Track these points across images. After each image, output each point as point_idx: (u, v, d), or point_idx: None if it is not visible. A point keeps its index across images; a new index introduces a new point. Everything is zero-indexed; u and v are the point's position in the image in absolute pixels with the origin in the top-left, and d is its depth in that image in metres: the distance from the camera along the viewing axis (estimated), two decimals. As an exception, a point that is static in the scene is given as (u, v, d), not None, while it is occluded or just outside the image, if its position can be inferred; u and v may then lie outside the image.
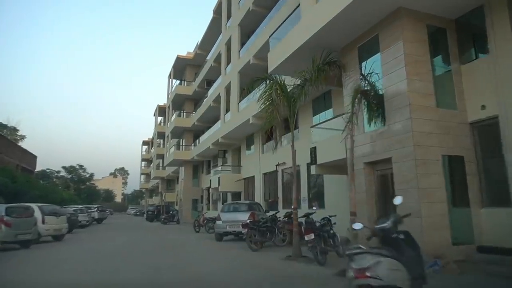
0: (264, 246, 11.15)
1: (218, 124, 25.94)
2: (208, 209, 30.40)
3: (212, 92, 27.74)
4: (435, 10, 8.62)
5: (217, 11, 27.26)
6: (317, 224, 8.76)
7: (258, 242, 10.69)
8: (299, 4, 11.57)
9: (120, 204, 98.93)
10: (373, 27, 9.24)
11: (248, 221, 12.15)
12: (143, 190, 77.13)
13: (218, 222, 13.84)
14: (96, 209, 31.44)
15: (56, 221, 14.20)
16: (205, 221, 19.33)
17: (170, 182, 50.88)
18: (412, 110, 7.97)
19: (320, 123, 12.97)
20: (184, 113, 36.11)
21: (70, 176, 67.53)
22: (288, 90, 9.98)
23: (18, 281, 6.98)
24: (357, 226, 4.78)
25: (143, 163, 70.91)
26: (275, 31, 13.06)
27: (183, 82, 36.69)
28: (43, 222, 13.36)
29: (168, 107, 40.31)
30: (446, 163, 8.19)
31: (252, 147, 22.53)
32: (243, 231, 10.96)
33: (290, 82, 10.82)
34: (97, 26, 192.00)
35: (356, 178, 9.63)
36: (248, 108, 19.34)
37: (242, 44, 21.93)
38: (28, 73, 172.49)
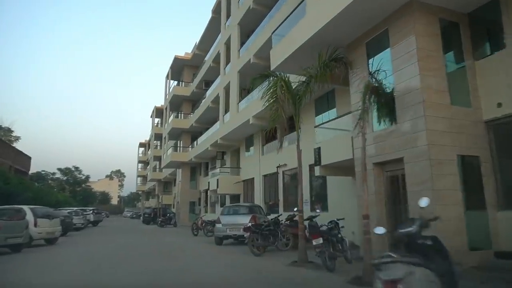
0: (267, 250, 10.66)
1: (216, 125, 25.49)
2: (206, 211, 29.87)
3: (210, 92, 27.30)
4: (447, 3, 8.23)
5: (216, 10, 26.87)
6: (324, 228, 8.29)
7: (261, 246, 10.20)
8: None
9: (116, 207, 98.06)
10: (382, 22, 8.83)
11: (249, 224, 11.67)
12: (140, 192, 76.41)
13: (218, 225, 13.35)
14: (91, 211, 30.83)
15: (49, 224, 13.66)
16: (203, 224, 18.80)
17: (167, 185, 50.31)
18: (426, 107, 7.56)
19: (325, 123, 12.55)
20: (182, 114, 35.64)
21: (65, 178, 66.68)
22: (293, 87, 9.54)
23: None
24: (379, 230, 4.31)
25: (140, 165, 70.29)
26: (278, 27, 12.64)
27: (180, 83, 36.24)
28: (35, 225, 12.81)
29: (166, 108, 39.83)
30: (460, 164, 7.77)
31: (252, 148, 22.08)
32: (245, 235, 10.47)
33: (294, 80, 10.40)
34: (95, 27, 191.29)
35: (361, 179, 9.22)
36: (248, 108, 18.92)
37: (242, 43, 21.53)
38: (23, 73, 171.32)
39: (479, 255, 7.26)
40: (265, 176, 19.80)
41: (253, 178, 21.18)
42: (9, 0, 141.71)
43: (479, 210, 7.67)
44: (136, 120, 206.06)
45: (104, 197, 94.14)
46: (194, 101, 34.46)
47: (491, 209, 7.69)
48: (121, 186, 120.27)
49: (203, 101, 29.61)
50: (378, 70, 8.52)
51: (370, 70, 9.20)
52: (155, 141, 52.44)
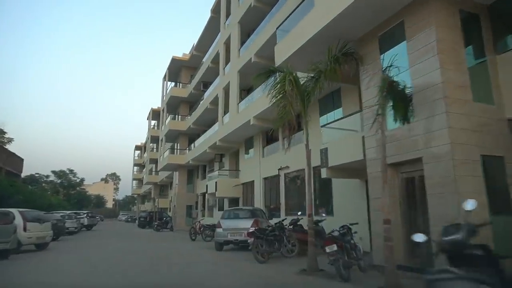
0: (271, 257, 9.99)
1: (215, 127, 24.86)
2: (203, 215, 29.15)
3: (209, 93, 26.68)
4: (467, -7, 7.73)
5: (216, 10, 26.32)
6: (335, 233, 7.68)
7: (265, 253, 9.54)
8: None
9: (111, 210, 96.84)
10: (397, 13, 8.28)
11: (253, 229, 11.04)
12: (135, 195, 75.35)
13: (218, 230, 12.68)
14: (85, 215, 29.95)
15: (39, 228, 12.91)
16: (202, 229, 18.12)
17: (163, 188, 49.47)
18: (448, 103, 6.99)
19: (332, 122, 11.96)
20: (179, 116, 34.96)
21: (59, 181, 65.56)
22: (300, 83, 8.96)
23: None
24: (419, 238, 3.70)
25: (135, 168, 69.29)
26: (283, 21, 12.08)
27: (178, 84, 35.59)
28: (25, 229, 12.07)
29: (163, 110, 39.12)
30: (483, 164, 7.20)
31: (252, 150, 21.46)
32: (248, 241, 9.82)
33: (299, 77, 9.83)
34: (90, 29, 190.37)
35: (376, 181, 8.63)
36: (249, 109, 18.33)
37: (242, 43, 20.96)
38: (17, 74, 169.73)
39: (509, 263, 6.66)
40: (265, 179, 19.17)
41: (253, 181, 20.54)
42: (10, 1, 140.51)
43: (505, 215, 7.10)
44: (132, 123, 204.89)
45: (99, 201, 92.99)
46: (191, 102, 33.81)
47: (518, 213, 7.12)
48: (116, 189, 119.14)
49: (201, 102, 28.98)
50: (391, 66, 7.98)
51: (383, 65, 8.67)
52: (151, 144, 51.64)
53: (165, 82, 39.83)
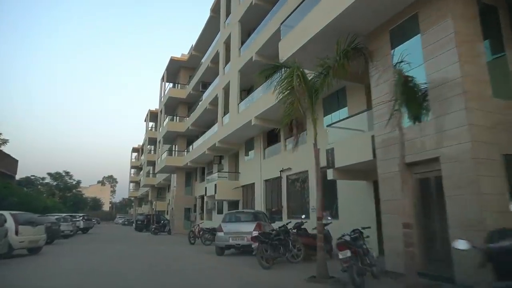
0: (275, 262, 9.49)
1: (214, 128, 24.37)
2: (202, 218, 28.62)
3: (208, 94, 26.19)
4: (486, -16, 7.32)
5: (215, 9, 25.91)
6: (346, 238, 7.20)
7: (271, 258, 9.05)
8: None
9: (107, 213, 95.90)
10: (411, 5, 7.87)
11: (256, 233, 10.57)
12: (132, 198, 74.63)
13: (220, 234, 12.17)
14: (81, 218, 29.34)
15: (32, 232, 12.34)
16: (201, 232, 17.59)
17: (160, 190, 48.87)
18: (468, 98, 6.56)
19: (339, 121, 11.52)
20: (177, 118, 34.45)
21: (55, 183, 64.74)
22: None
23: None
24: (463, 245, 3.24)
25: (133, 170, 68.66)
26: (287, 17, 11.66)
27: (176, 85, 35.08)
28: (17, 232, 11.51)
29: (161, 111, 38.60)
30: (505, 164, 6.76)
31: (252, 152, 20.97)
32: (253, 246, 9.32)
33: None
34: (89, 30, 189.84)
35: (389, 182, 8.20)
36: (250, 109, 17.87)
37: (242, 42, 20.53)
38: (14, 75, 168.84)
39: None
40: (266, 181, 18.69)
41: (253, 183, 20.04)
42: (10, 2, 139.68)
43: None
44: (130, 125, 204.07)
45: (96, 203, 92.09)
46: (190, 103, 33.32)
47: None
48: (113, 192, 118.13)
49: (200, 103, 28.50)
50: (401, 61, 7.57)
51: (394, 60, 8.24)
52: (148, 146, 51.04)
53: (163, 83, 39.36)
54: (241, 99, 20.15)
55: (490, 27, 7.55)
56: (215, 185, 21.42)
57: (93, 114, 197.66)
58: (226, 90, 22.05)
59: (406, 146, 7.71)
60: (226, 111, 22.03)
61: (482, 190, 6.17)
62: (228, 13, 23.23)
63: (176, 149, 34.53)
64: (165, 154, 34.19)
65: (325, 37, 9.35)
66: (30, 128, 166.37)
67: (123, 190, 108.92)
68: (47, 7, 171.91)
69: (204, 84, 28.14)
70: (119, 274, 8.75)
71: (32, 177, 61.10)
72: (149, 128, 50.45)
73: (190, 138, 32.77)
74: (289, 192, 16.46)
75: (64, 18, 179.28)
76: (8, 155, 28.94)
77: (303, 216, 12.94)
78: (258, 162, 19.45)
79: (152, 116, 47.57)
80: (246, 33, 20.46)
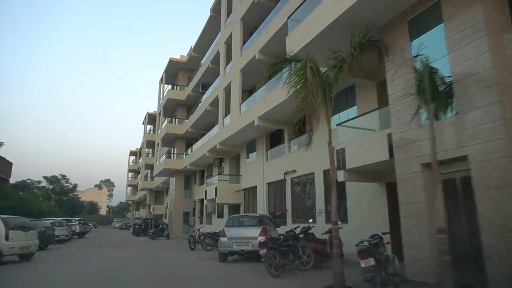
0: (285, 269, 8.81)
1: (215, 129, 23.76)
2: (201, 222, 27.92)
3: (209, 95, 25.60)
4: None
5: (215, 9, 25.40)
6: (365, 244, 6.58)
7: (280, 265, 8.39)
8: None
9: (104, 217, 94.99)
10: (432, -7, 7.32)
11: (261, 238, 9.93)
12: (130, 202, 73.74)
13: (223, 239, 11.50)
14: (77, 222, 28.56)
15: (24, 237, 11.64)
16: (201, 237, 16.90)
17: (159, 194, 48.12)
18: (501, 91, 5.98)
19: (350, 120, 10.95)
20: (176, 120, 33.83)
21: (51, 186, 63.73)
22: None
23: None
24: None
25: (130, 174, 67.91)
26: (295, 10, 11.12)
27: (175, 86, 34.48)
28: (7, 238, 10.83)
29: (159, 113, 37.96)
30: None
31: (254, 154, 20.36)
32: (260, 252, 8.66)
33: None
34: (87, 31, 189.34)
35: (409, 184, 7.60)
36: (253, 109, 17.28)
37: (244, 41, 19.98)
38: (11, 75, 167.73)
39: None
40: (269, 184, 18.06)
41: (255, 186, 19.41)
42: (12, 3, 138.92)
43: None
44: (127, 128, 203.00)
45: (93, 207, 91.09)
46: (189, 105, 32.70)
47: None
48: (110, 196, 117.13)
49: (200, 104, 27.90)
50: (418, 55, 7.01)
51: (413, 52, 7.68)
52: (147, 149, 50.36)
53: (162, 84, 38.77)
54: (243, 99, 19.56)
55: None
56: (216, 188, 20.76)
57: (91, 116, 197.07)
58: (227, 90, 21.47)
59: (427, 144, 7.15)
60: (227, 112, 21.43)
61: (520, 191, 5.57)
62: (229, 12, 22.73)
63: (175, 152, 33.89)
64: (163, 157, 33.53)
65: (336, 30, 8.81)
66: (25, 130, 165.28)
67: (121, 194, 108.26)
68: (47, 7, 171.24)
69: (204, 86, 27.57)
70: (116, 283, 8.07)
71: (28, 181, 60.05)
72: (147, 131, 49.80)
73: (189, 141, 32.18)
74: (293, 195, 15.84)
75: (63, 18, 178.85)
76: (2, 158, 28.16)
77: (310, 220, 12.33)
78: (261, 164, 18.83)
79: (150, 118, 46.94)
80: (248, 32, 19.93)
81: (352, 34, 7.85)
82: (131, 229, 39.96)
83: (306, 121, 7.53)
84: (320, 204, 13.61)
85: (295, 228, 10.23)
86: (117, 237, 32.42)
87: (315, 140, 8.40)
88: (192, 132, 29.52)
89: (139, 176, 57.73)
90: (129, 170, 67.94)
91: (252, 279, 8.45)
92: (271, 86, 16.25)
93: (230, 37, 21.55)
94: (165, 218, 39.29)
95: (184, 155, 31.94)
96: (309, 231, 10.96)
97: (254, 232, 11.05)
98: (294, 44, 10.24)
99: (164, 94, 35.71)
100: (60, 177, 64.72)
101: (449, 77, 6.86)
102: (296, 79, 7.42)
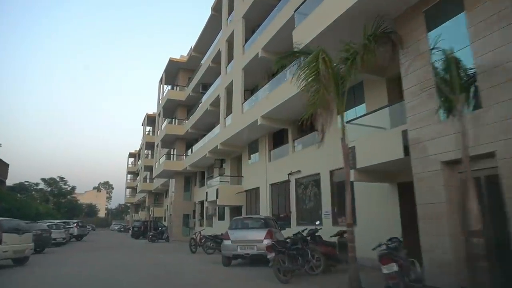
0: (294, 274, 8.32)
1: (216, 130, 23.27)
2: (201, 225, 27.40)
3: (210, 94, 25.14)
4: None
5: (216, 7, 24.96)
6: (383, 248, 6.13)
7: (289, 270, 7.90)
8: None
9: (103, 220, 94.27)
10: (452, -20, 6.89)
11: (267, 241, 9.46)
12: (128, 204, 73.16)
13: (226, 243, 11.00)
14: (75, 224, 28.02)
15: (18, 240, 11.13)
16: (203, 240, 16.40)
17: (158, 196, 47.58)
18: (532, 82, 5.54)
19: (359, 117, 10.52)
20: (176, 120, 33.33)
21: (49, 189, 63.16)
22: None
23: None
24: None
25: (129, 176, 67.35)
26: (302, 3, 10.68)
27: (175, 87, 34.01)
28: (0, 241, 10.32)
29: (159, 114, 37.47)
30: None
31: (256, 154, 19.88)
32: (268, 256, 8.18)
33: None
34: (85, 32, 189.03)
35: (428, 183, 7.14)
36: (256, 108, 16.81)
37: (246, 39, 19.54)
38: (8, 76, 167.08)
39: None
40: (272, 185, 17.57)
41: (258, 188, 18.91)
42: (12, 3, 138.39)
43: None
44: (126, 130, 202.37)
45: (91, 210, 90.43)
46: (189, 106, 32.21)
47: None
48: (109, 198, 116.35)
49: (200, 104, 27.43)
50: (432, 48, 6.59)
51: (431, 44, 7.26)
52: (146, 151, 49.85)
53: (161, 85, 38.29)
54: (245, 98, 19.10)
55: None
56: (217, 189, 20.25)
57: (89, 118, 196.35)
58: (229, 89, 21.00)
59: (448, 141, 6.72)
60: (228, 112, 20.97)
61: (556, 190, 5.12)
62: (230, 10, 22.30)
63: (175, 153, 33.37)
64: (163, 158, 32.98)
65: (348, 22, 8.38)
66: (23, 131, 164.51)
67: (119, 196, 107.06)
68: (47, 7, 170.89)
69: (205, 86, 27.10)
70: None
71: (26, 183, 59.56)
72: (147, 133, 49.33)
73: (189, 142, 31.67)
74: (298, 197, 15.35)
75: (63, 18, 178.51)
76: (-1, 159, 27.68)
77: (317, 222, 11.87)
78: (263, 165, 18.35)
79: (150, 120, 46.46)
80: (250, 30, 19.51)
81: (365, 25, 7.43)
82: (130, 231, 39.42)
83: (318, 117, 7.06)
84: (326, 206, 13.13)
85: (302, 231, 9.75)
86: (115, 239, 31.87)
87: (320, 139, 8.03)
88: (192, 133, 29.02)
89: (138, 178, 57.20)
90: (128, 172, 67.41)
91: (260, 285, 7.96)
92: (274, 84, 15.81)
93: (231, 36, 21.12)
94: (165, 220, 38.79)
95: (184, 156, 31.44)
96: (316, 234, 10.49)
97: (259, 235, 10.58)
98: (302, 37, 9.77)
99: (164, 94, 35.24)
100: (58, 179, 64.27)
101: (471, 68, 6.44)
102: (308, 71, 6.97)
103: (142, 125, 52.29)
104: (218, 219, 24.18)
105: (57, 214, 41.69)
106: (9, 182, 40.88)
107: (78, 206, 71.49)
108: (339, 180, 12.92)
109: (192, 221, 31.16)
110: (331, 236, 9.98)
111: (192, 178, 32.27)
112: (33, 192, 59.92)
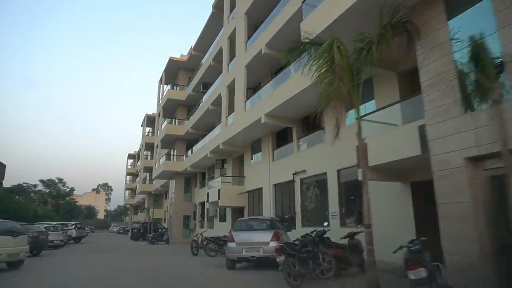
0: (304, 279, 7.83)
1: (217, 129, 22.82)
2: (202, 226, 26.92)
3: (211, 93, 24.69)
4: None
5: (217, 5, 24.55)
6: (403, 249, 5.67)
7: (299, 274, 7.42)
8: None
9: (102, 221, 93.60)
10: (474, -36, 6.45)
11: (274, 243, 9.00)
12: (128, 206, 72.62)
13: (231, 245, 10.51)
14: (73, 226, 27.48)
15: (12, 243, 10.63)
16: (205, 242, 15.91)
17: (157, 197, 47.09)
18: None
19: (371, 113, 10.07)
20: (176, 121, 32.87)
21: (48, 190, 62.58)
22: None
23: None
24: None
25: (128, 177, 66.87)
26: (310, -6, 10.24)
27: (175, 86, 33.55)
28: (-7, 244, 9.86)
29: (159, 114, 37.01)
30: None
31: (259, 154, 19.42)
32: (277, 259, 7.71)
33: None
34: (84, 33, 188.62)
35: (450, 181, 6.67)
36: (259, 106, 16.36)
37: (249, 36, 19.10)
38: (8, 75, 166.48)
39: None
40: (276, 185, 17.12)
41: (261, 188, 18.46)
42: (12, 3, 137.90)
43: None
44: (126, 131, 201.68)
45: (90, 211, 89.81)
46: (190, 106, 31.75)
47: None
48: (108, 200, 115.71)
49: (200, 104, 26.98)
50: (451, 39, 6.14)
51: (451, 34, 6.82)
52: (145, 152, 49.40)
53: (161, 85, 37.84)
54: (248, 97, 18.64)
55: None
56: (219, 190, 19.78)
57: (88, 119, 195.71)
58: (231, 88, 20.56)
59: (469, 136, 6.27)
60: (230, 111, 20.51)
61: None
62: (232, 7, 21.88)
63: (175, 154, 32.90)
64: (163, 159, 32.53)
65: (361, 10, 7.95)
66: (21, 131, 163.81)
67: (119, 198, 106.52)
68: (47, 8, 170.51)
69: (205, 85, 26.65)
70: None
71: (24, 185, 58.99)
72: (146, 133, 48.87)
73: (189, 142, 31.22)
74: (303, 197, 14.89)
75: (63, 18, 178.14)
76: (-5, 160, 27.18)
77: (325, 224, 11.34)
78: (267, 165, 17.89)
79: (149, 120, 46.02)
80: (253, 27, 19.08)
81: (381, 12, 6.98)
82: (129, 233, 38.90)
83: (331, 111, 6.60)
84: (333, 207, 12.67)
85: (311, 232, 9.27)
86: (115, 241, 31.33)
87: (327, 137, 7.61)
88: (193, 133, 28.57)
89: (137, 179, 56.69)
90: (127, 174, 66.93)
91: (269, 290, 7.49)
92: (278, 81, 15.36)
93: (233, 33, 20.69)
94: (164, 222, 38.26)
95: (184, 157, 30.98)
96: (325, 235, 10.01)
97: (265, 237, 10.11)
98: (313, 27, 9.27)
99: (164, 94, 34.79)
100: (56, 181, 63.75)
101: (498, 58, 5.98)
102: (321, 61, 6.51)
103: (142, 125, 51.86)
104: (220, 221, 23.72)
105: (55, 216, 41.17)
106: (7, 183, 40.42)
107: (77, 208, 70.90)
108: (347, 179, 12.49)
109: (192, 222, 30.67)
110: (341, 238, 9.50)
111: (192, 179, 31.80)
112: (31, 194, 59.38)
